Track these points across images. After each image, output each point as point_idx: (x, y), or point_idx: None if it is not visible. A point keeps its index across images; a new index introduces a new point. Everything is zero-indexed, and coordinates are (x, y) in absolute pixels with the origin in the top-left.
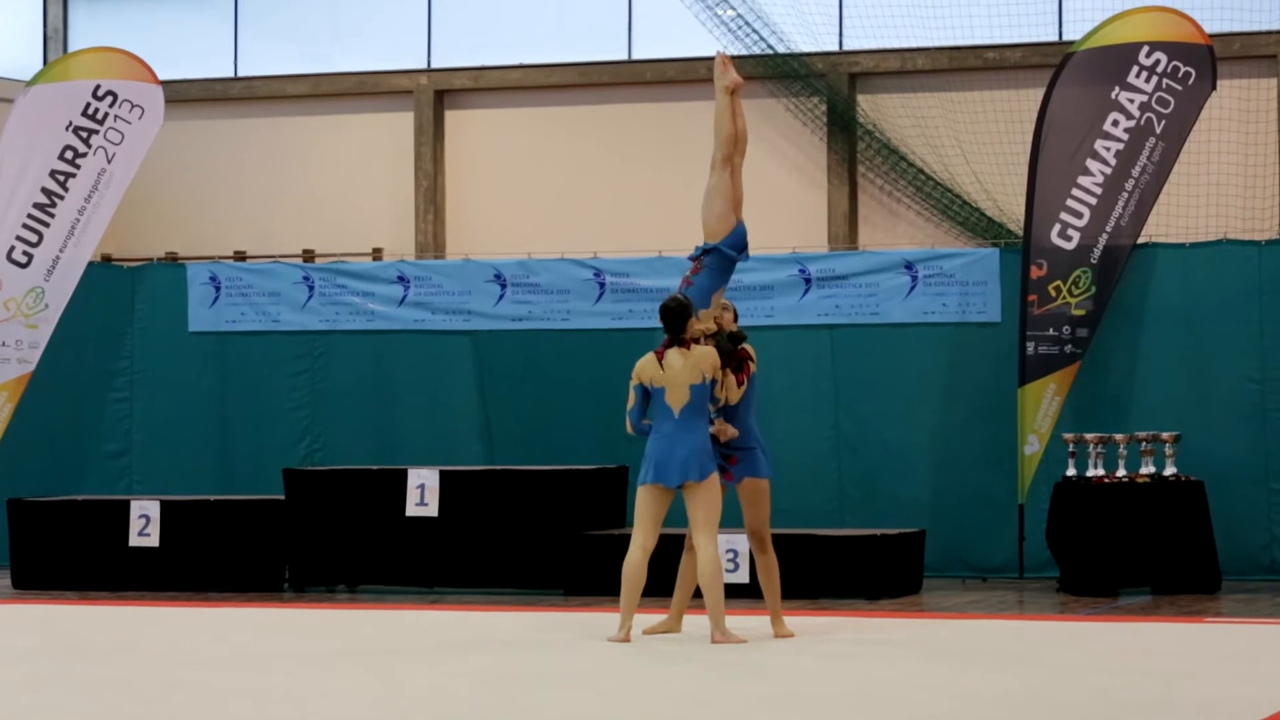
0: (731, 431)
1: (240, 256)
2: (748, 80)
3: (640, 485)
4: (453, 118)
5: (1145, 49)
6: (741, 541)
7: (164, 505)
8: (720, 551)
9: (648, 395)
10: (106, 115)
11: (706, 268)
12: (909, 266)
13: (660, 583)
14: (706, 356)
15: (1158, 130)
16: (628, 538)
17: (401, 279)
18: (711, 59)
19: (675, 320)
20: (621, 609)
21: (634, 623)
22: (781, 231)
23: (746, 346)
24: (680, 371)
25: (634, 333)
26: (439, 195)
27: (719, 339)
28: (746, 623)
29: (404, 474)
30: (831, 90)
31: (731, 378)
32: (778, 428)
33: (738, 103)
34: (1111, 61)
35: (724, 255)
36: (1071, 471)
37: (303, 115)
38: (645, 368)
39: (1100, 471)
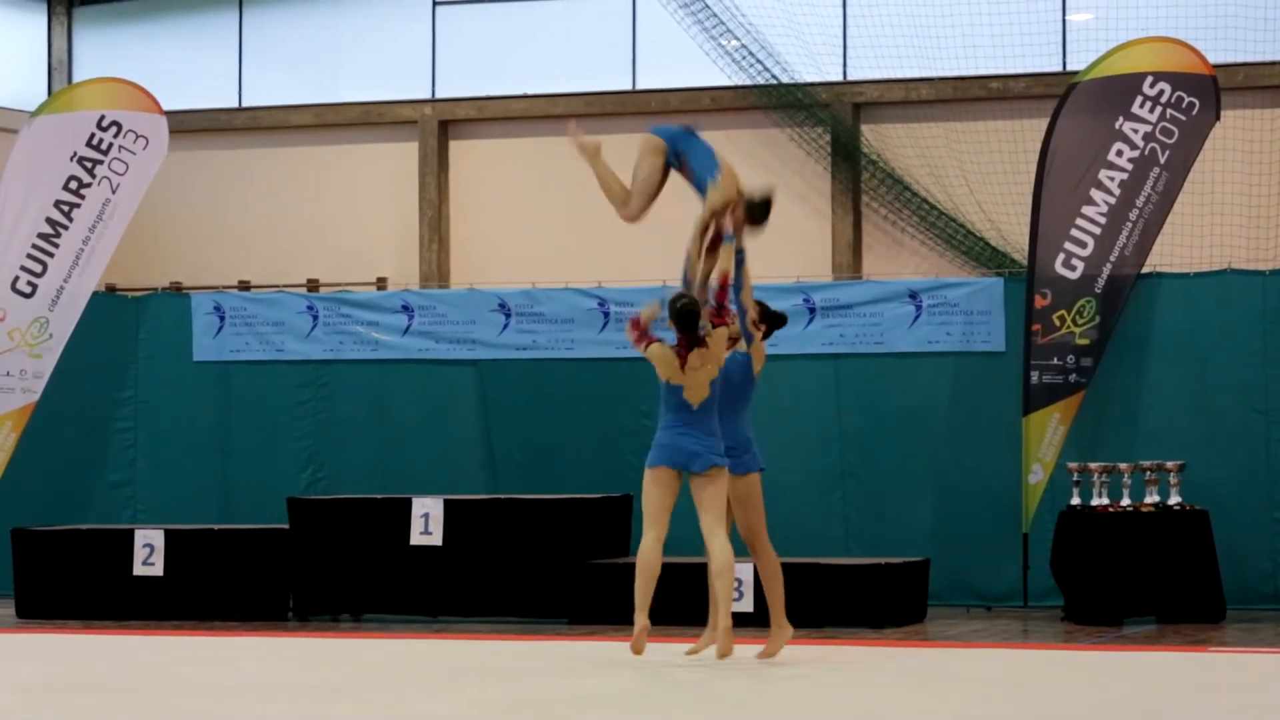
0: None
1: (244, 286)
2: (752, 110)
3: (649, 469)
4: (457, 147)
5: (1149, 79)
6: (747, 571)
7: (168, 534)
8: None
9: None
10: (111, 145)
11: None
12: (913, 296)
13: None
14: (719, 344)
15: (1162, 160)
16: (632, 566)
17: (406, 308)
18: (717, 89)
19: (691, 321)
20: (638, 600)
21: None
22: (785, 261)
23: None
24: (700, 372)
25: (638, 362)
26: (443, 225)
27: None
28: (752, 651)
29: (408, 503)
30: (836, 120)
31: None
32: (782, 456)
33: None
34: (1115, 92)
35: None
36: (1076, 500)
37: (307, 145)
38: (667, 364)
39: (1105, 500)
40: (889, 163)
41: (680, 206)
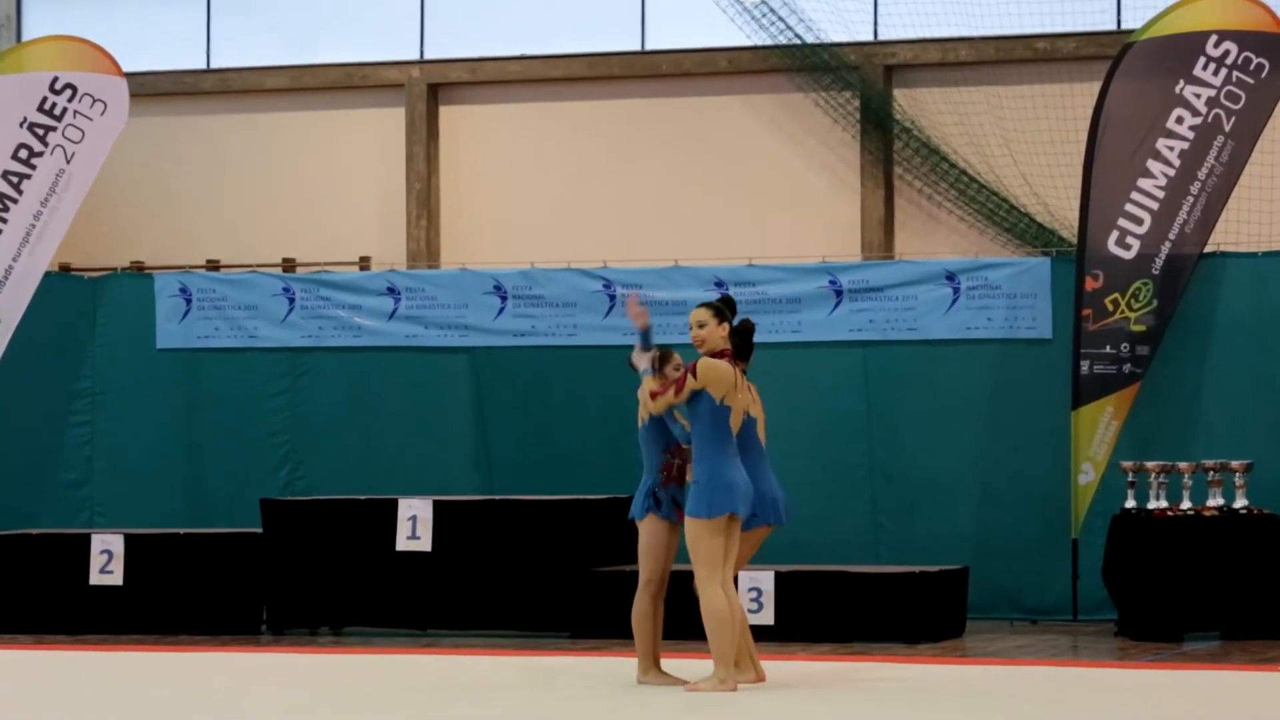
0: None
1: (213, 266)
2: (773, 73)
3: (716, 519)
4: (448, 114)
5: (1213, 38)
6: (766, 580)
7: (128, 539)
8: (743, 590)
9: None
10: (65, 110)
11: None
12: (950, 277)
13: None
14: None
15: (1226, 128)
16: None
17: (391, 290)
18: (734, 49)
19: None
20: (728, 655)
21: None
22: (810, 239)
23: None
24: (744, 394)
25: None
26: (433, 199)
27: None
28: (773, 667)
29: (394, 505)
30: (865, 84)
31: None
32: (805, 454)
33: None
34: (1175, 52)
35: None
36: (1131, 503)
37: (282, 111)
38: (724, 379)
39: (1163, 503)
40: (924, 131)
41: (691, 183)
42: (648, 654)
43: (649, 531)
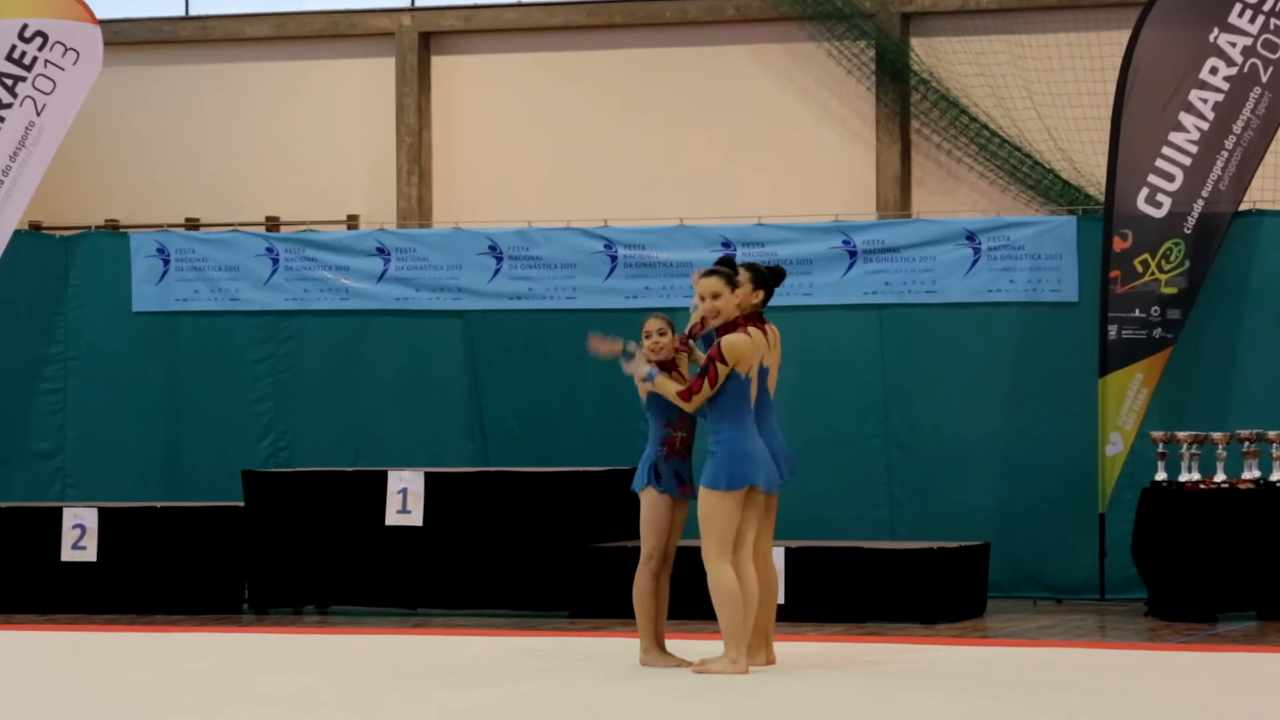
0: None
1: (193, 225)
2: (784, 21)
3: (734, 491)
4: (440, 64)
5: None
6: (776, 557)
7: (102, 513)
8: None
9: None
10: (35, 60)
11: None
12: (971, 237)
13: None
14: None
15: (1264, 79)
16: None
17: (381, 251)
18: None
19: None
20: (740, 634)
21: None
22: (823, 197)
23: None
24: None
25: (650, 313)
26: (424, 154)
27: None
28: (784, 649)
29: (383, 477)
30: (881, 32)
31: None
32: (817, 423)
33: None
34: None
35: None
36: (1161, 476)
37: (266, 61)
38: (751, 354)
39: (1195, 476)
40: (943, 82)
41: (697, 138)
42: (650, 634)
43: (650, 505)
